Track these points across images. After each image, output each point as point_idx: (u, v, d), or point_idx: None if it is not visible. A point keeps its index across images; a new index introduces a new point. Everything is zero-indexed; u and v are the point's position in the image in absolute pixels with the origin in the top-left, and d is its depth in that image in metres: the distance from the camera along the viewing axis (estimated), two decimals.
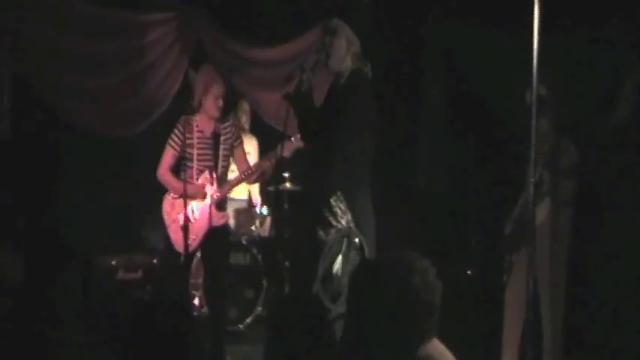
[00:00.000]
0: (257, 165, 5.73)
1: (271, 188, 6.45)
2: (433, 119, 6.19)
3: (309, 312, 2.85)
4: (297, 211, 6.38)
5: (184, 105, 5.51)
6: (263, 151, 6.71)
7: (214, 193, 5.44)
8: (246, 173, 5.60)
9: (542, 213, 4.76)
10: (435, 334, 2.89)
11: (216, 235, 5.47)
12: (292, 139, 5.45)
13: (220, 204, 5.49)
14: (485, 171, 5.81)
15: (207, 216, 5.39)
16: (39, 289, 3.22)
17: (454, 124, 6.11)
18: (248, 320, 6.34)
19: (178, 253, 5.38)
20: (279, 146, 5.39)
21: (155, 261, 6.31)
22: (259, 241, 6.57)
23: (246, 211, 6.68)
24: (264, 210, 6.70)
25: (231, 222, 6.65)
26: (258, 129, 6.89)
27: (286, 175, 6.40)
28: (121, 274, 6.24)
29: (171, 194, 5.47)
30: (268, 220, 6.70)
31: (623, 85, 4.80)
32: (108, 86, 6.30)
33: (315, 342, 2.77)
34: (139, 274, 6.27)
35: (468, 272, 5.70)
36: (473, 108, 5.88)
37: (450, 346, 2.96)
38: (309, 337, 2.77)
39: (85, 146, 6.50)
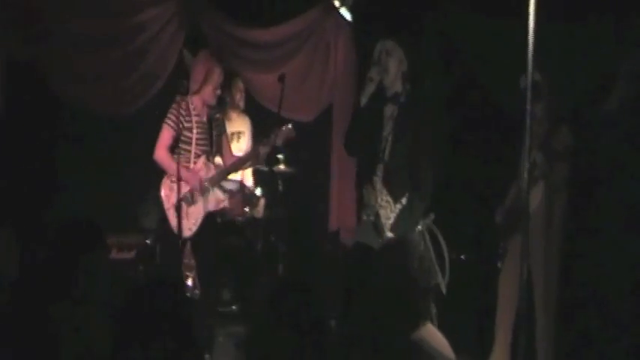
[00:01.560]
0: (252, 152, 5.85)
1: (265, 169, 6.44)
2: (432, 106, 6.18)
3: (298, 294, 2.87)
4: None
5: (179, 84, 5.53)
6: (256, 131, 6.73)
7: (212, 178, 5.49)
8: (242, 159, 5.74)
9: (535, 199, 4.78)
10: (429, 318, 2.92)
11: (212, 219, 5.53)
12: (284, 127, 5.63)
13: (219, 188, 5.58)
14: (480, 156, 5.83)
15: (207, 200, 5.46)
16: (36, 269, 3.23)
17: (450, 111, 6.11)
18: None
19: (176, 237, 5.40)
20: (272, 135, 5.59)
21: (148, 241, 6.31)
22: (253, 223, 6.56)
23: (240, 193, 6.66)
24: (258, 191, 6.69)
25: (225, 203, 6.66)
26: (252, 108, 6.87)
27: (280, 156, 6.40)
28: (114, 254, 6.22)
29: (171, 177, 5.46)
30: (262, 201, 6.68)
31: (618, 71, 4.81)
32: (104, 65, 6.25)
33: (305, 323, 2.79)
34: (132, 254, 6.27)
35: (462, 257, 5.72)
36: (469, 94, 5.89)
37: (443, 331, 2.99)
38: (299, 318, 2.78)
39: (79, 126, 6.48)
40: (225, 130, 5.79)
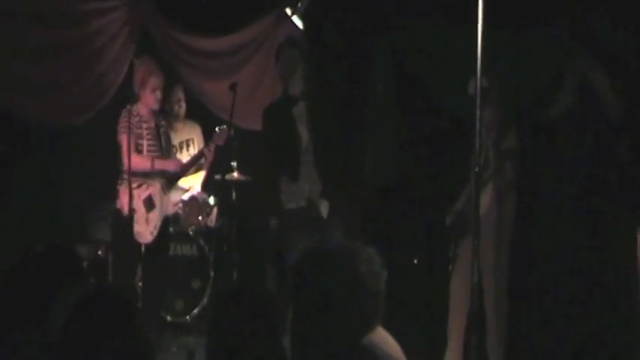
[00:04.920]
0: (198, 154, 5.99)
1: (218, 177, 6.41)
2: (380, 111, 6.23)
3: (252, 303, 2.85)
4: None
5: (128, 93, 5.52)
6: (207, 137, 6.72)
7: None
8: (190, 162, 5.90)
9: (485, 202, 4.83)
10: (380, 321, 2.91)
11: (167, 224, 5.63)
12: (224, 127, 5.81)
13: (174, 191, 5.73)
14: (431, 160, 5.87)
15: (164, 205, 5.55)
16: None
17: (400, 115, 6.16)
18: (195, 312, 6.30)
19: (138, 245, 5.40)
20: (214, 135, 5.88)
21: (100, 253, 6.24)
22: (206, 232, 6.53)
23: (193, 202, 6.63)
24: (211, 200, 6.66)
25: (179, 212, 6.62)
26: (202, 114, 6.84)
27: (234, 164, 6.37)
28: None
29: (125, 184, 5.45)
30: (215, 210, 6.65)
31: (565, 77, 4.89)
32: (53, 76, 6.19)
33: (258, 333, 2.77)
34: (84, 266, 6.17)
35: (415, 261, 5.76)
36: (419, 100, 5.93)
37: (395, 335, 2.99)
38: (251, 328, 2.76)
39: (26, 137, 6.38)
40: (169, 138, 5.85)
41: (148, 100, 5.51)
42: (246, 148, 6.56)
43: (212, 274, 6.36)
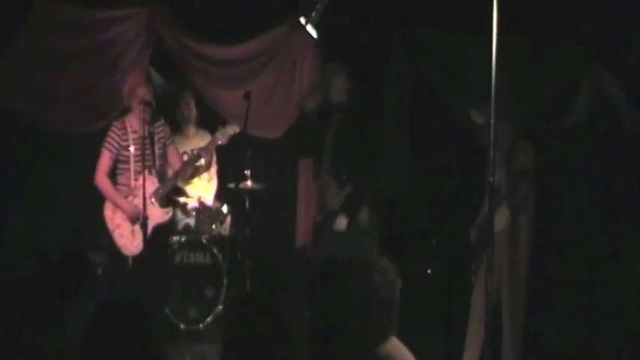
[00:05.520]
0: (194, 156, 5.91)
1: (231, 186, 6.41)
2: (396, 121, 6.22)
3: (265, 312, 2.85)
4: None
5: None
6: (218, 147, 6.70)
7: (156, 192, 5.58)
8: (184, 166, 5.81)
9: (502, 218, 4.82)
10: (395, 332, 2.92)
11: (160, 233, 5.59)
12: (227, 126, 5.79)
13: (163, 201, 5.64)
14: (446, 171, 5.86)
15: (151, 215, 5.51)
16: None
17: (417, 125, 6.15)
18: (208, 320, 6.30)
19: (126, 258, 5.42)
20: (214, 135, 5.84)
21: None
22: (219, 240, 6.53)
23: (207, 210, 6.63)
24: (225, 208, 6.66)
25: (192, 221, 6.62)
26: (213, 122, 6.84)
27: (247, 172, 6.37)
28: None
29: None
30: (229, 218, 6.65)
31: (581, 86, 4.88)
32: (68, 84, 6.22)
33: (271, 341, 2.77)
34: (98, 272, 6.19)
35: (428, 271, 5.75)
36: (436, 110, 5.93)
37: (410, 345, 2.99)
38: (265, 337, 2.77)
39: (38, 145, 6.41)
40: (172, 142, 5.81)
41: (136, 111, 5.52)
42: (260, 157, 6.57)
43: (225, 282, 6.36)
